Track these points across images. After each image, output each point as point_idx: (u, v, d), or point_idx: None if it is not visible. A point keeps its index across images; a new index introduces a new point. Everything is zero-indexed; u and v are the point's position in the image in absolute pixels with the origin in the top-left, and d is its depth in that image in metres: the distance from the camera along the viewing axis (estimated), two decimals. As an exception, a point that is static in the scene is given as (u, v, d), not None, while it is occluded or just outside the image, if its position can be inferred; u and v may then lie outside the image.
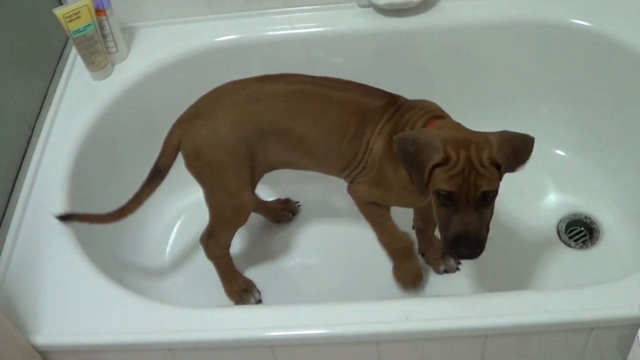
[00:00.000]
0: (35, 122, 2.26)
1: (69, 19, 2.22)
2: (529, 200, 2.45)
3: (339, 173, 2.03)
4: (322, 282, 2.35)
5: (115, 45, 2.38)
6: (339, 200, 2.12)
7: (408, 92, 2.51)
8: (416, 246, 2.31)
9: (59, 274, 1.91)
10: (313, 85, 1.98)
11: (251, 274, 2.36)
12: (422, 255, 2.33)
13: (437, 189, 1.69)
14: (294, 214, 2.52)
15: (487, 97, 2.56)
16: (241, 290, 2.28)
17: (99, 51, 2.31)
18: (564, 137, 2.55)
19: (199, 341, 1.78)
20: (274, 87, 1.98)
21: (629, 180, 2.39)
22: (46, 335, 1.79)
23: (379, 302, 1.97)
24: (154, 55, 2.43)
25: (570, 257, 2.33)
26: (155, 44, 2.46)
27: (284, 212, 2.50)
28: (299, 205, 2.52)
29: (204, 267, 2.26)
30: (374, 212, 2.06)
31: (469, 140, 1.69)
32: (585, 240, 2.37)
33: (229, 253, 2.24)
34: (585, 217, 2.41)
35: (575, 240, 2.36)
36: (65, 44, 2.50)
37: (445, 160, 1.67)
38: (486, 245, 1.73)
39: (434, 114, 1.92)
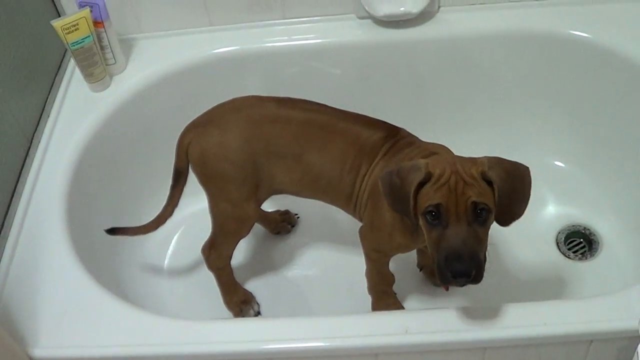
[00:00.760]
0: (34, 134, 2.26)
1: (67, 31, 2.22)
2: (527, 211, 2.43)
3: (343, 206, 2.03)
4: (321, 294, 2.35)
5: (114, 57, 2.38)
6: (337, 213, 2.12)
7: (407, 103, 2.52)
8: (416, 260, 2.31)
9: (58, 286, 1.90)
10: (324, 115, 1.98)
11: (251, 285, 2.36)
12: (421, 269, 2.33)
13: (424, 208, 1.63)
14: (292, 226, 2.52)
15: (485, 108, 2.56)
16: (240, 302, 2.28)
17: (97, 63, 2.31)
18: (563, 149, 2.55)
19: (197, 354, 1.77)
20: (290, 113, 1.97)
21: (628, 192, 2.39)
22: (44, 347, 1.79)
23: (378, 314, 1.98)
24: (153, 67, 2.42)
25: (569, 269, 2.32)
26: (154, 56, 2.46)
27: (283, 224, 2.50)
28: (298, 218, 2.52)
29: (203, 278, 2.26)
30: (377, 262, 2.07)
31: (455, 159, 1.65)
32: (585, 251, 2.36)
33: (230, 264, 2.24)
34: (584, 229, 2.41)
35: (574, 252, 2.36)
36: (64, 55, 2.50)
37: (428, 176, 1.62)
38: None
39: (432, 150, 1.85)
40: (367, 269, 2.11)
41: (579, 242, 2.39)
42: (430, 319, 1.77)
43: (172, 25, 2.50)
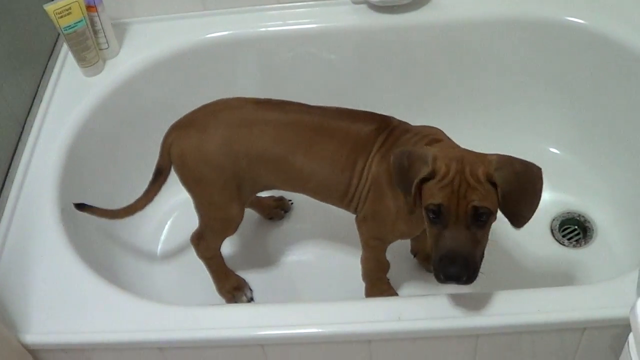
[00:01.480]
0: (26, 119, 2.25)
1: (60, 15, 2.21)
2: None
3: (335, 202, 2.01)
4: (314, 280, 2.34)
5: (107, 42, 2.37)
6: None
7: (402, 89, 2.51)
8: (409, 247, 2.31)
9: (50, 271, 1.90)
10: (307, 114, 1.94)
11: (244, 271, 2.35)
12: (415, 255, 2.33)
13: (426, 204, 1.63)
14: (285, 212, 2.51)
15: (481, 95, 2.55)
16: (233, 289, 2.27)
17: (90, 47, 2.30)
18: (558, 135, 2.54)
19: (189, 340, 1.77)
20: (268, 115, 1.95)
21: (623, 179, 2.39)
22: (36, 333, 1.78)
23: (371, 300, 1.98)
24: (146, 52, 2.41)
25: (563, 256, 2.32)
26: (147, 40, 2.45)
27: (276, 210, 2.49)
28: (292, 204, 2.51)
29: (196, 265, 2.25)
30: (375, 249, 2.06)
31: (463, 156, 1.63)
32: (579, 238, 2.36)
33: (220, 253, 2.23)
34: (579, 216, 2.40)
35: (568, 239, 2.36)
36: (57, 40, 2.49)
37: (432, 174, 1.61)
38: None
39: (432, 137, 1.84)
40: (363, 256, 2.11)
41: (573, 229, 2.39)
42: (424, 306, 1.76)
43: (165, 10, 2.49)
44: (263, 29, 2.44)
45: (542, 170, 1.63)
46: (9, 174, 2.13)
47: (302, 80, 2.49)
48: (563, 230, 2.38)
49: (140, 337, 1.77)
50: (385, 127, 1.90)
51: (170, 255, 2.42)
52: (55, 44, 2.48)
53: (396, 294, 2.19)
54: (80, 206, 2.06)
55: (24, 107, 2.26)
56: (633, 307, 1.35)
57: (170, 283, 2.35)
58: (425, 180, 1.63)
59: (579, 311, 1.70)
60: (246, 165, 1.93)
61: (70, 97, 2.30)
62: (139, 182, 2.38)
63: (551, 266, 2.29)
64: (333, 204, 2.03)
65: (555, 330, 1.75)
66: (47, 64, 2.42)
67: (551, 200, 2.45)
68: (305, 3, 2.46)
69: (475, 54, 2.47)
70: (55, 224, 1.99)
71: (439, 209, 1.61)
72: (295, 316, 1.79)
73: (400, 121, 1.94)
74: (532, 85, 2.51)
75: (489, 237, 1.70)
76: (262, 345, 1.78)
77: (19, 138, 2.21)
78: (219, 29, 2.44)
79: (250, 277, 2.33)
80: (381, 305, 1.80)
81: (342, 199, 1.96)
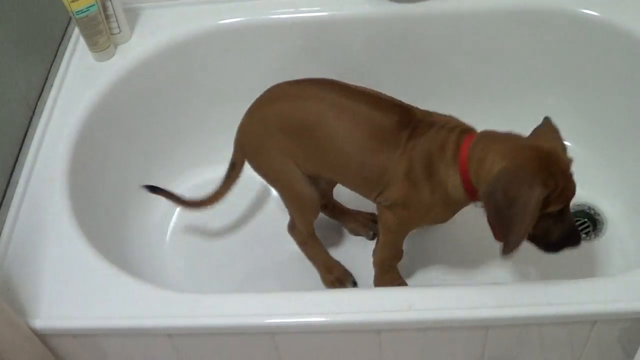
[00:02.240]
0: (37, 103, 2.25)
1: (72, 0, 2.20)
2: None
3: (368, 194, 2.01)
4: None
5: (119, 27, 2.36)
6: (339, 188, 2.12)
7: (412, 78, 2.51)
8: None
9: (60, 257, 1.89)
10: (332, 93, 1.97)
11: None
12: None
13: (547, 213, 1.68)
14: (375, 234, 2.38)
15: (492, 86, 2.54)
16: (335, 280, 2.26)
17: (101, 32, 2.29)
18: (569, 128, 2.50)
19: (198, 327, 1.76)
20: (299, 91, 2.01)
21: (634, 172, 2.38)
22: (45, 318, 1.78)
23: (381, 290, 1.97)
24: (157, 37, 2.40)
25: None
26: (159, 26, 2.44)
27: (365, 229, 2.41)
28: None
29: (205, 252, 2.26)
30: (398, 234, 2.07)
31: (554, 155, 1.69)
32: (589, 231, 2.35)
33: (315, 240, 2.26)
34: (589, 208, 2.39)
35: (579, 231, 2.35)
36: (68, 24, 2.48)
37: (550, 192, 1.64)
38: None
39: (461, 129, 1.85)
40: (380, 242, 2.10)
41: (583, 221, 2.38)
42: (434, 296, 1.76)
43: (178, -5, 2.49)
44: (275, 16, 2.43)
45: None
46: (19, 159, 2.12)
47: (313, 68, 2.46)
48: (573, 223, 2.38)
49: (149, 323, 1.77)
50: (408, 121, 1.88)
51: (180, 242, 2.41)
52: (66, 28, 2.47)
53: (405, 284, 2.19)
54: (153, 189, 2.20)
55: (35, 91, 2.26)
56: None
57: (179, 270, 2.35)
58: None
59: (589, 304, 1.70)
60: (284, 139, 1.97)
61: (81, 82, 2.29)
62: (150, 166, 2.40)
63: (561, 258, 2.27)
64: (365, 196, 2.04)
65: (565, 322, 1.74)
66: (58, 49, 2.41)
67: (561, 192, 2.44)
68: (317, -10, 2.45)
69: (486, 44, 2.45)
70: (65, 209, 1.98)
71: (563, 210, 1.71)
72: (305, 305, 1.78)
73: (422, 112, 1.93)
74: (544, 77, 2.50)
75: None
76: (272, 334, 1.78)
77: (30, 122, 2.20)
78: (230, 15, 2.43)
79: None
80: (391, 295, 1.79)
81: (371, 191, 1.97)
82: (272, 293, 1.93)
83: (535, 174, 1.63)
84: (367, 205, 2.18)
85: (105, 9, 2.30)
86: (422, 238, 2.34)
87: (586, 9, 2.32)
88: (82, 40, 2.34)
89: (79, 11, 2.23)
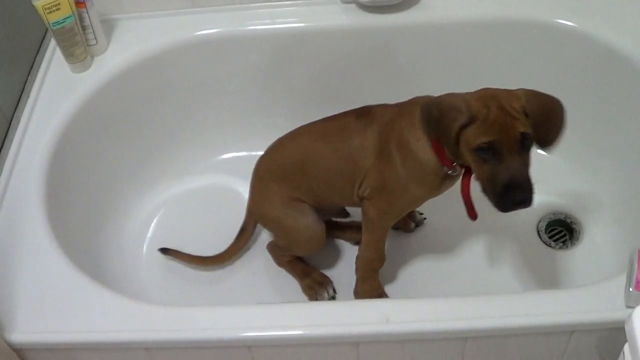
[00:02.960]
0: (13, 115, 2.23)
1: (49, 11, 2.19)
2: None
3: (352, 194, 2.06)
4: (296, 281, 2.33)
5: (95, 38, 2.35)
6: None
7: (390, 89, 2.50)
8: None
9: (36, 270, 1.88)
10: (302, 129, 2.13)
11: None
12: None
13: (476, 146, 1.71)
14: (417, 225, 2.43)
15: (469, 95, 2.54)
16: (314, 282, 2.27)
17: (78, 43, 2.28)
18: (545, 137, 2.54)
19: (175, 340, 1.76)
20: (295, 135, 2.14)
21: (610, 180, 2.40)
22: (22, 332, 1.77)
23: (358, 302, 1.97)
24: (134, 48, 2.40)
25: (550, 257, 2.32)
26: (136, 37, 2.43)
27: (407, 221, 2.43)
28: (425, 219, 2.46)
29: (182, 265, 2.24)
30: (381, 228, 2.08)
31: (494, 93, 1.75)
32: (566, 240, 2.36)
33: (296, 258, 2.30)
34: (566, 217, 2.40)
35: (555, 240, 2.36)
36: (44, 35, 2.47)
37: (473, 119, 1.70)
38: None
39: (424, 99, 1.93)
40: (364, 241, 2.11)
41: (560, 230, 2.39)
42: (412, 308, 1.76)
43: (154, 6, 2.48)
44: (252, 27, 2.43)
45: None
46: (-5, 171, 2.11)
47: (290, 79, 2.48)
48: (550, 232, 2.38)
49: (126, 337, 1.76)
50: (367, 111, 2.02)
51: (157, 254, 2.39)
52: (43, 39, 2.46)
53: (385, 294, 2.19)
54: (164, 250, 2.32)
55: (11, 102, 2.24)
56: (628, 319, 1.34)
57: (156, 282, 2.33)
58: (464, 126, 1.72)
59: (567, 314, 1.71)
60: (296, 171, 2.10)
61: (57, 93, 2.28)
62: (127, 178, 2.38)
63: (538, 267, 2.29)
64: (350, 203, 2.13)
65: (543, 333, 1.75)
66: (34, 60, 2.40)
67: (538, 201, 2.40)
68: (294, 2, 2.45)
69: (465, 55, 2.46)
70: (41, 221, 1.97)
71: (492, 145, 1.70)
72: (282, 317, 1.78)
73: (378, 104, 2.05)
74: (520, 87, 2.49)
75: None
76: (249, 347, 1.77)
77: (6, 134, 2.19)
78: (207, 26, 2.43)
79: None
80: (369, 307, 1.80)
81: (354, 182, 2.02)
82: (249, 306, 1.92)
83: (466, 96, 1.77)
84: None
85: (82, 20, 2.30)
86: (403, 247, 2.35)
87: (563, 19, 2.34)
88: (58, 51, 2.33)
89: (55, 22, 2.22)
